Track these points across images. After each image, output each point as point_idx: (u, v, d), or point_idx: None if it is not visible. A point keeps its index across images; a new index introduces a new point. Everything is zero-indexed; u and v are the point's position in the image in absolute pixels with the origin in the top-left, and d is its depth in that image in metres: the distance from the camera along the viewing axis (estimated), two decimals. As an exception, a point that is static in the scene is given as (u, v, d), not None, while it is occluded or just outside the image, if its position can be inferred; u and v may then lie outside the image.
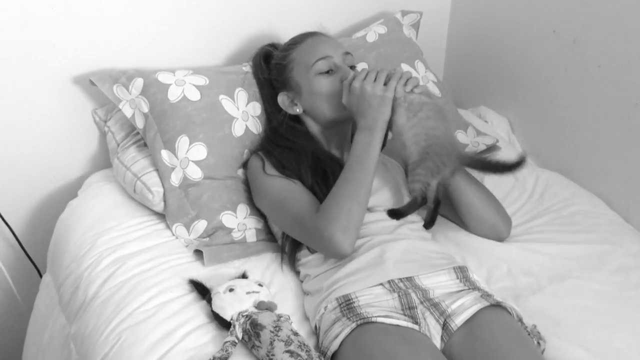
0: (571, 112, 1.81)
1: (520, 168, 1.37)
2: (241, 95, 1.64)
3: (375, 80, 1.38)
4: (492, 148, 1.84)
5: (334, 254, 1.34)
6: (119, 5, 1.65)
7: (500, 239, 1.54)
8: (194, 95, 1.58)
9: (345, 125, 1.58)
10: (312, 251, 1.42)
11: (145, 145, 1.62)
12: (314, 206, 1.38)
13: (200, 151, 1.54)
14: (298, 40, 1.58)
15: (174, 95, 1.57)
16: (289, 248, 1.47)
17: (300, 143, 1.54)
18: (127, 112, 1.59)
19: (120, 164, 1.62)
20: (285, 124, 1.58)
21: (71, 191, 1.73)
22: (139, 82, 1.59)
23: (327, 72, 1.51)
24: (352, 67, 1.56)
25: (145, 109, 1.57)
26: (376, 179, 1.47)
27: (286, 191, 1.43)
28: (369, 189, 1.38)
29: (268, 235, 1.57)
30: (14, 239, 1.72)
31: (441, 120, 1.37)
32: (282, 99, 1.58)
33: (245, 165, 1.58)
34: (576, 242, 1.54)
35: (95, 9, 1.63)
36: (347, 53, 1.55)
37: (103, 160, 1.79)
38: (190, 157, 1.53)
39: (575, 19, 1.73)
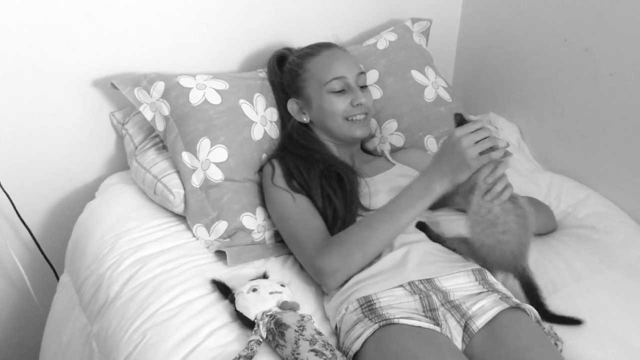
0: (582, 120, 1.83)
1: (572, 325, 1.32)
2: (260, 100, 1.66)
3: (477, 142, 1.27)
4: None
5: (318, 282, 1.39)
6: (139, 11, 1.67)
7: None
8: (215, 99, 1.60)
9: (351, 143, 1.62)
10: None
11: (164, 147, 1.65)
12: (316, 231, 1.40)
13: (221, 153, 1.56)
14: (314, 51, 1.61)
15: (195, 98, 1.59)
16: None
17: (312, 149, 1.57)
18: (148, 115, 1.61)
19: (140, 166, 1.63)
20: (298, 129, 1.62)
21: (88, 193, 1.74)
22: (160, 86, 1.61)
23: (340, 91, 1.55)
24: (364, 87, 1.61)
25: (166, 112, 1.59)
26: (399, 182, 1.48)
27: (290, 208, 1.46)
28: (383, 245, 1.35)
29: (286, 236, 1.59)
30: (31, 240, 1.72)
31: (522, 231, 1.30)
32: (292, 106, 1.62)
33: (260, 169, 1.61)
34: (592, 243, 1.56)
35: (116, 14, 1.65)
36: (361, 73, 1.60)
37: (120, 163, 1.80)
38: (211, 158, 1.55)
39: (586, 28, 1.75)
